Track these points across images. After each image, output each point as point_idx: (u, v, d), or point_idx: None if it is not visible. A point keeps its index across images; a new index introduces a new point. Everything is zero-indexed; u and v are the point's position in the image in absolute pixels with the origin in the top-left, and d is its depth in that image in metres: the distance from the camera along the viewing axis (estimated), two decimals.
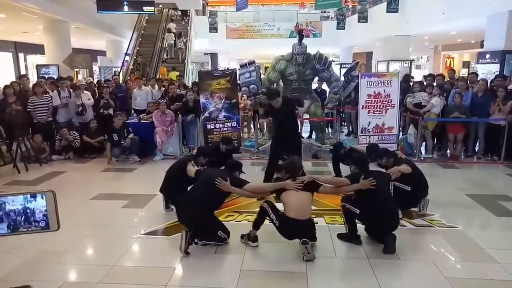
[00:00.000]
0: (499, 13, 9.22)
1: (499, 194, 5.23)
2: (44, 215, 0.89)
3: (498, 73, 8.81)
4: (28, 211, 0.89)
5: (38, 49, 16.65)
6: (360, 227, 3.75)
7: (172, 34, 15.89)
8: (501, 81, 7.42)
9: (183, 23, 18.58)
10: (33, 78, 12.97)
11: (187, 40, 16.49)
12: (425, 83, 7.98)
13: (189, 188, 3.99)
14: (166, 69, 14.18)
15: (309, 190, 3.60)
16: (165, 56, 15.58)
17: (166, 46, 15.69)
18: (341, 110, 9.59)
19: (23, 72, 17.74)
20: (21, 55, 19.27)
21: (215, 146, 5.71)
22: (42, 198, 0.89)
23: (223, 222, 3.94)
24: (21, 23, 13.54)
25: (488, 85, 7.41)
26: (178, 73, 13.51)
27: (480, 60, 10.29)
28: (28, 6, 10.81)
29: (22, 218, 0.89)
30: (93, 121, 7.68)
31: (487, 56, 9.86)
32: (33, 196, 0.89)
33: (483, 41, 10.99)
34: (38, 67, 14.05)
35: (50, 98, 7.43)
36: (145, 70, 14.08)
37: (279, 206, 3.63)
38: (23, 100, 7.29)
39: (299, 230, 3.43)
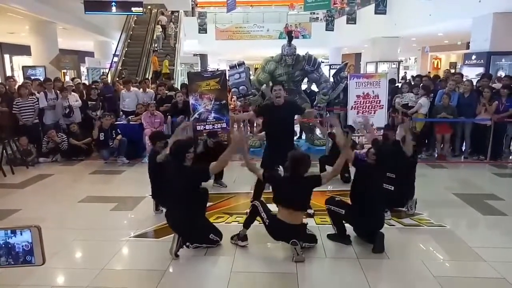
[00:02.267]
0: (484, 15, 9.38)
1: (486, 193, 5.31)
2: (29, 249, 0.89)
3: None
4: (10, 245, 0.88)
5: (24, 50, 16.39)
6: (349, 227, 3.77)
7: (160, 27, 16.72)
8: (486, 81, 7.55)
9: (173, 17, 18.66)
10: (19, 80, 12.75)
11: (177, 26, 17.50)
12: (412, 83, 8.08)
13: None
14: (157, 58, 14.77)
15: (312, 185, 3.54)
16: (155, 46, 16.15)
17: (155, 38, 16.33)
18: (327, 111, 9.58)
19: (8, 73, 17.44)
20: (6, 56, 18.95)
21: (203, 143, 5.78)
22: (28, 233, 0.89)
23: (213, 223, 3.94)
24: (6, 24, 13.31)
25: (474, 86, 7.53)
26: (167, 62, 14.52)
27: (466, 61, 10.45)
28: (13, 7, 10.63)
29: (4, 252, 0.89)
30: (73, 126, 7.53)
31: (473, 57, 10.02)
32: (15, 232, 0.88)
33: (469, 42, 11.16)
34: (24, 68, 13.83)
35: (36, 100, 7.33)
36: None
37: (271, 207, 3.64)
38: (9, 102, 7.18)
39: (287, 232, 3.42)
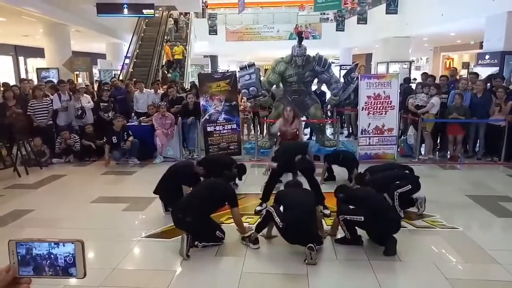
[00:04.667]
0: (498, 14, 9.22)
1: (500, 195, 5.23)
2: (72, 262, 0.93)
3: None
4: (53, 256, 0.93)
5: (38, 52, 16.68)
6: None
7: (172, 20, 17.88)
8: (500, 81, 7.43)
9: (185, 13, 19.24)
10: (34, 81, 12.97)
11: (188, 18, 18.57)
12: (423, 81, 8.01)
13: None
14: (170, 48, 15.86)
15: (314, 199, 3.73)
16: (168, 38, 17.21)
17: (167, 30, 17.22)
18: (336, 111, 9.55)
19: (23, 75, 17.78)
20: (21, 59, 19.29)
21: (224, 164, 5.32)
22: (71, 245, 0.93)
23: (223, 224, 4.00)
24: (21, 27, 13.56)
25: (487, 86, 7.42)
26: (182, 47, 15.70)
27: (480, 61, 10.28)
28: (28, 10, 10.82)
29: (47, 263, 0.93)
30: (88, 126, 7.64)
31: (487, 57, 9.86)
32: (58, 244, 0.93)
33: (482, 42, 11.00)
34: (38, 70, 14.06)
35: (50, 102, 7.44)
36: None
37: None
38: (23, 104, 7.31)
39: (302, 237, 3.40)
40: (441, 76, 8.86)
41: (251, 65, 7.44)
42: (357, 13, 17.51)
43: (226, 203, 3.83)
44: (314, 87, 8.94)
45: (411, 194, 4.37)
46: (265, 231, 3.75)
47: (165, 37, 16.85)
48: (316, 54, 7.54)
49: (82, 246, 0.92)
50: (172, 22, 18.02)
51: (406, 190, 4.25)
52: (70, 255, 0.92)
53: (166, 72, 15.13)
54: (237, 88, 7.63)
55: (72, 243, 0.92)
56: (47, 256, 0.93)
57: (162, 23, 17.46)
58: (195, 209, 3.57)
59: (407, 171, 4.75)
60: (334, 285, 3.14)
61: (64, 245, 0.92)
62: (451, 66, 19.74)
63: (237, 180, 5.36)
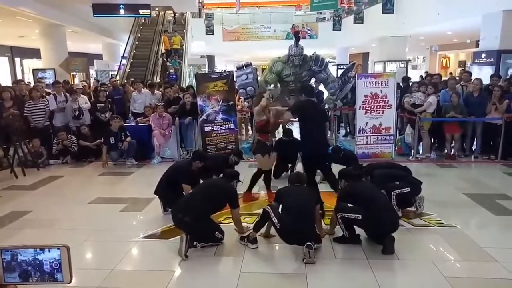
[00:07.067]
0: (493, 12, 9.27)
1: (497, 193, 5.25)
2: (58, 267, 0.93)
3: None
4: (39, 262, 0.92)
5: (34, 53, 16.65)
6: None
7: (171, 12, 18.31)
8: (496, 80, 7.46)
9: None
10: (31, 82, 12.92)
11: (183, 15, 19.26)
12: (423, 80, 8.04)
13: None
14: (168, 38, 16.13)
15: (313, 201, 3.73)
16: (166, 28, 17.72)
17: (166, 23, 17.72)
18: (334, 111, 9.55)
19: (19, 76, 17.73)
20: (17, 60, 19.23)
21: (222, 158, 5.74)
22: (56, 251, 0.93)
23: (221, 224, 4.00)
24: (17, 28, 13.52)
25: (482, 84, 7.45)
26: (180, 37, 16.37)
27: (476, 60, 10.32)
28: (23, 11, 10.78)
29: (33, 269, 0.93)
30: (83, 127, 7.58)
31: (483, 55, 9.90)
32: (44, 249, 0.92)
33: (478, 40, 11.04)
34: (35, 71, 14.02)
35: (47, 102, 7.41)
36: None
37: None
38: (20, 105, 7.27)
39: (299, 236, 3.40)
40: (434, 74, 8.86)
41: (248, 65, 7.44)
42: (353, 13, 17.56)
43: (227, 203, 3.83)
44: None
45: (409, 196, 4.36)
46: (263, 229, 3.76)
47: (163, 29, 17.29)
48: (313, 54, 7.54)
49: (67, 252, 0.92)
50: (172, 14, 18.57)
51: (404, 192, 4.26)
52: (56, 261, 0.92)
53: (166, 60, 15.46)
54: (234, 88, 7.62)
55: (58, 248, 0.92)
56: (32, 262, 0.92)
57: (158, 23, 17.47)
58: (195, 210, 3.57)
59: (404, 172, 4.75)
60: (332, 284, 3.14)
61: (49, 251, 0.92)
62: (448, 65, 19.84)
63: (240, 178, 5.44)
